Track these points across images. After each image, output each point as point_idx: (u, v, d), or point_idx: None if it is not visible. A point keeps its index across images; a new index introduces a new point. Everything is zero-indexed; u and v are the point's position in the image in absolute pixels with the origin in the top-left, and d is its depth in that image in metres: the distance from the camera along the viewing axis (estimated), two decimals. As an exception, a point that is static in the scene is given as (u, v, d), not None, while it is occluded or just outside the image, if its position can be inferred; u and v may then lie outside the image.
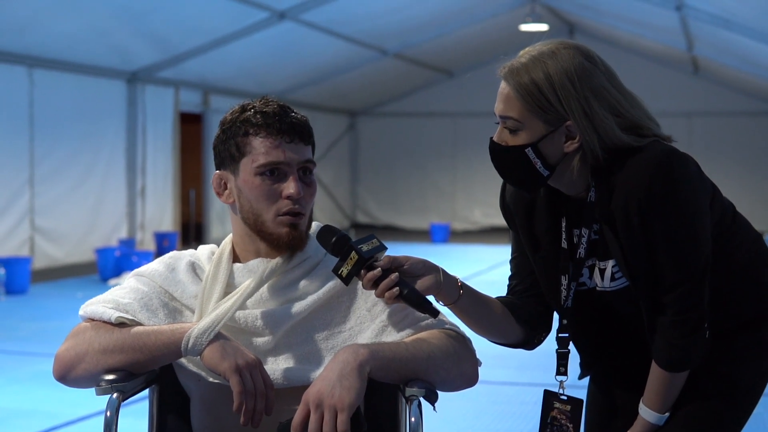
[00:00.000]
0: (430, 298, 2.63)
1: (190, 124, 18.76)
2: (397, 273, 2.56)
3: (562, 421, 2.82)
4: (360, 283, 2.64)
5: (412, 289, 2.56)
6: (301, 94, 19.80)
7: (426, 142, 23.91)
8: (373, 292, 2.62)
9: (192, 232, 18.17)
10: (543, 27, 18.30)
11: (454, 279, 2.72)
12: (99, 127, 15.36)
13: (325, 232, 2.61)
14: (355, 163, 24.43)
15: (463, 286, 2.74)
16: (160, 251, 15.84)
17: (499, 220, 23.71)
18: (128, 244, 15.38)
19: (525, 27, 18.33)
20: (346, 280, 2.57)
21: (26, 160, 13.83)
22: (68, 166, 14.67)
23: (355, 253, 2.54)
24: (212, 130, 17.95)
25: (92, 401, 6.54)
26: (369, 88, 22.39)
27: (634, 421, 2.78)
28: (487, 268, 14.97)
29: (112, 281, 13.19)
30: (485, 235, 22.50)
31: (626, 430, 2.80)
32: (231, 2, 13.82)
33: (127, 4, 13.10)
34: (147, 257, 13.83)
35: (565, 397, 2.83)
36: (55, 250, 14.39)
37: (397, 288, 2.54)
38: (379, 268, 2.55)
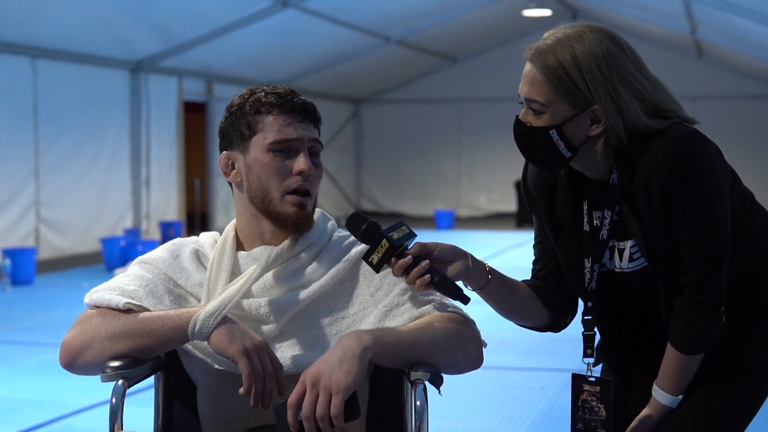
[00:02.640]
0: (459, 284, 2.63)
1: (194, 113, 18.76)
2: (427, 260, 2.57)
3: (593, 403, 2.81)
4: (363, 267, 2.66)
5: (443, 275, 2.57)
6: (305, 81, 19.79)
7: (430, 128, 23.89)
8: (377, 276, 2.63)
9: (197, 221, 18.17)
10: (546, 12, 18.30)
11: (482, 264, 2.73)
12: (103, 117, 15.36)
13: (355, 219, 2.60)
14: (359, 151, 24.43)
15: (491, 271, 2.75)
16: (166, 240, 15.73)
17: (504, 206, 23.85)
18: (133, 233, 15.39)
19: (528, 12, 18.32)
20: (377, 267, 2.57)
21: (31, 151, 13.83)
22: (73, 157, 14.68)
23: (386, 241, 2.54)
24: (216, 118, 17.93)
25: (99, 390, 6.54)
26: (373, 75, 22.37)
27: (648, 396, 2.78)
28: (493, 254, 14.97)
29: (117, 271, 13.16)
30: (490, 221, 22.50)
31: (640, 405, 2.80)
32: (234, -10, 13.82)
33: (130, -7, 13.11)
34: (152, 246, 13.77)
35: (594, 379, 2.83)
36: (61, 240, 14.41)
37: (429, 275, 2.55)
38: (410, 256, 2.55)
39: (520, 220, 20.79)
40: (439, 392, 2.49)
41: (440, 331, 2.53)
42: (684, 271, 2.61)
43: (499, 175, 22.31)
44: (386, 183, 24.29)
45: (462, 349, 2.56)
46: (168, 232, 16.00)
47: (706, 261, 2.59)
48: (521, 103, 2.68)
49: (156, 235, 16.19)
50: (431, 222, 21.77)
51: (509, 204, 22.32)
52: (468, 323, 2.63)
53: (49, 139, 14.12)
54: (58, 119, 14.30)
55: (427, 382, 2.45)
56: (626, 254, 2.72)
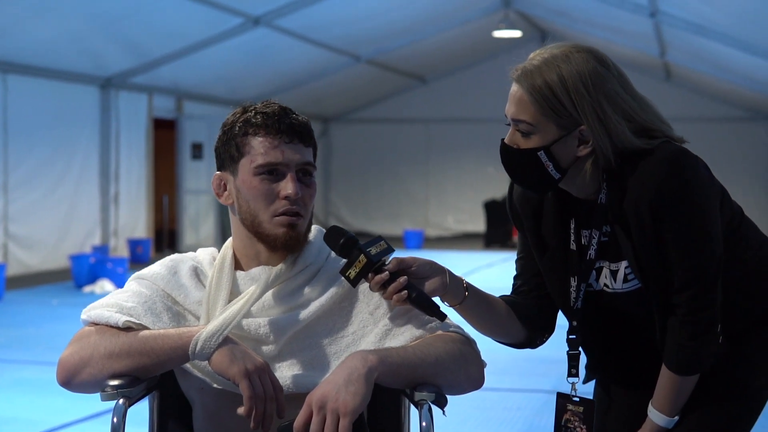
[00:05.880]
0: (436, 299, 2.62)
1: (163, 130, 18.69)
2: (405, 276, 2.55)
3: (575, 423, 2.80)
4: (362, 285, 2.63)
5: (420, 292, 2.56)
6: (275, 100, 19.65)
7: (399, 148, 23.94)
8: (376, 294, 2.61)
9: (165, 239, 18.09)
10: (516, 33, 18.37)
11: (459, 280, 2.72)
12: (72, 133, 15.31)
13: (333, 232, 2.59)
14: (327, 170, 24.41)
15: (469, 287, 2.74)
16: (134, 258, 15.78)
17: (472, 227, 23.90)
18: (102, 250, 15.31)
19: (498, 33, 18.38)
20: (354, 282, 2.56)
21: (-1, 167, 13.77)
22: (42, 173, 14.61)
23: (363, 257, 2.52)
24: (186, 136, 17.90)
25: (74, 408, 6.47)
26: (342, 94, 22.40)
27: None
28: (462, 275, 14.87)
29: (86, 288, 13.09)
30: (458, 241, 22.53)
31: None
32: (205, 8, 13.79)
33: (101, 10, 13.05)
34: (122, 264, 13.76)
35: (578, 399, 2.82)
36: (29, 257, 14.32)
37: (406, 291, 2.53)
38: (387, 272, 2.54)
39: (488, 240, 20.83)
40: (444, 413, 2.47)
41: (443, 351, 2.51)
42: (677, 291, 2.60)
43: (467, 196, 22.36)
44: (354, 202, 24.30)
45: (464, 370, 2.54)
46: (136, 249, 15.93)
47: (699, 281, 2.58)
48: (508, 124, 2.67)
49: (124, 252, 16.10)
50: (400, 242, 21.75)
51: (478, 224, 22.35)
52: (470, 343, 2.61)
53: (18, 155, 14.04)
54: (27, 134, 14.24)
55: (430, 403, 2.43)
56: (620, 275, 2.71)
